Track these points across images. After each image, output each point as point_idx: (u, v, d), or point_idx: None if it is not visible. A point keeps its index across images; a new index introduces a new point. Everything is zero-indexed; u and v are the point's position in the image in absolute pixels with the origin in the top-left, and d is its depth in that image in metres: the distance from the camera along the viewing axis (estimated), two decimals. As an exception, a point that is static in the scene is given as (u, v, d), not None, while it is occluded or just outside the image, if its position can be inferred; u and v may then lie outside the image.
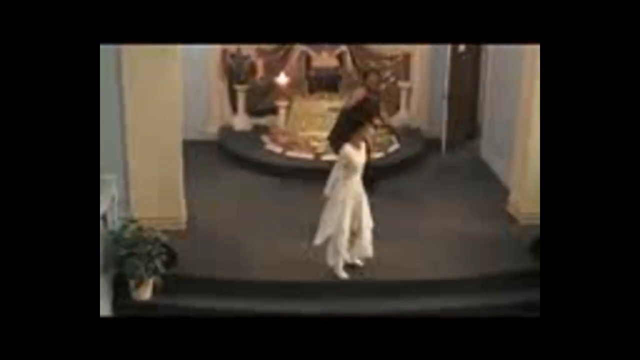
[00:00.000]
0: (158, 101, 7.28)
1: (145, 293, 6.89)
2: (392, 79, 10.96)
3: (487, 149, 10.40)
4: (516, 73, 8.57)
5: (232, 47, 10.55)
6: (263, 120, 11.00)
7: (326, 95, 10.46)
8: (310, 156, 9.68)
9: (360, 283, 7.22)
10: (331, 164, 7.32)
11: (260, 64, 10.75)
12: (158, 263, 6.76)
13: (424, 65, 10.94)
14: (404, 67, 11.04)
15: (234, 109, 11.05)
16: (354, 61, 10.88)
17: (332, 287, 7.13)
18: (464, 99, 10.75)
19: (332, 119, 9.00)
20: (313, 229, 7.24)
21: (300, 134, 10.21)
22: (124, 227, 6.82)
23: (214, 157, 10.22)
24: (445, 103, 10.41)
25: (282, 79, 10.52)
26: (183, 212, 8.01)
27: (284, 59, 10.79)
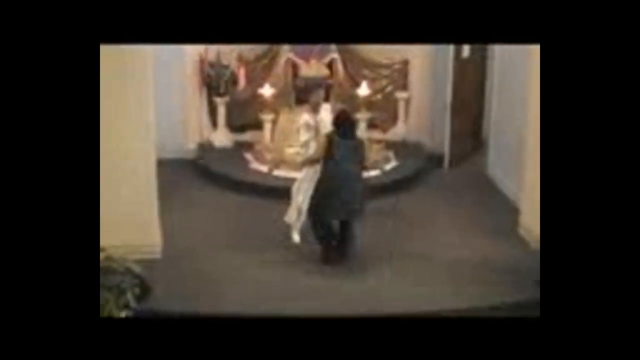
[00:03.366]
0: (129, 121, 7.34)
1: (115, 331, 6.42)
2: (388, 89, 10.93)
3: (494, 165, 10.40)
4: (524, 81, 8.52)
5: (210, 55, 10.46)
6: (246, 136, 10.98)
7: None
8: (299, 175, 9.26)
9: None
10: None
11: (242, 73, 10.64)
12: (130, 297, 6.64)
13: (424, 72, 10.90)
14: (401, 76, 11.04)
15: (214, 123, 11.00)
16: (345, 69, 10.86)
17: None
18: (468, 110, 10.76)
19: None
20: (301, 254, 7.54)
21: (288, 150, 10.07)
22: (91, 256, 6.73)
23: (191, 177, 10.22)
24: (447, 114, 10.41)
25: (266, 90, 10.41)
26: (158, 239, 7.94)
27: (268, 67, 10.74)
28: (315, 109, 8.21)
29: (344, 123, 7.69)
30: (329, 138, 7.61)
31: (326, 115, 8.26)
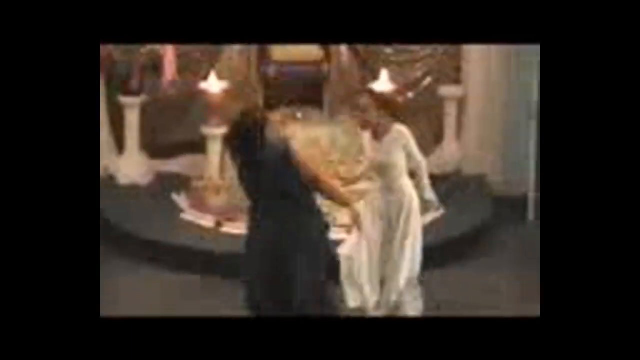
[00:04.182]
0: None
1: None
2: (427, 81, 8.79)
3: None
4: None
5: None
6: (175, 165, 9.05)
7: (298, 113, 8.67)
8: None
9: None
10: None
11: (169, 56, 8.78)
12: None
13: (492, 57, 8.93)
14: (450, 59, 9.16)
15: (118, 143, 9.08)
16: (355, 52, 9.00)
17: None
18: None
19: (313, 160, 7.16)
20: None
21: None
22: None
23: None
24: (533, 127, 8.54)
25: (212, 84, 8.44)
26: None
27: (216, 47, 9.20)
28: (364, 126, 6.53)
29: (243, 137, 5.77)
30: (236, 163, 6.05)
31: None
